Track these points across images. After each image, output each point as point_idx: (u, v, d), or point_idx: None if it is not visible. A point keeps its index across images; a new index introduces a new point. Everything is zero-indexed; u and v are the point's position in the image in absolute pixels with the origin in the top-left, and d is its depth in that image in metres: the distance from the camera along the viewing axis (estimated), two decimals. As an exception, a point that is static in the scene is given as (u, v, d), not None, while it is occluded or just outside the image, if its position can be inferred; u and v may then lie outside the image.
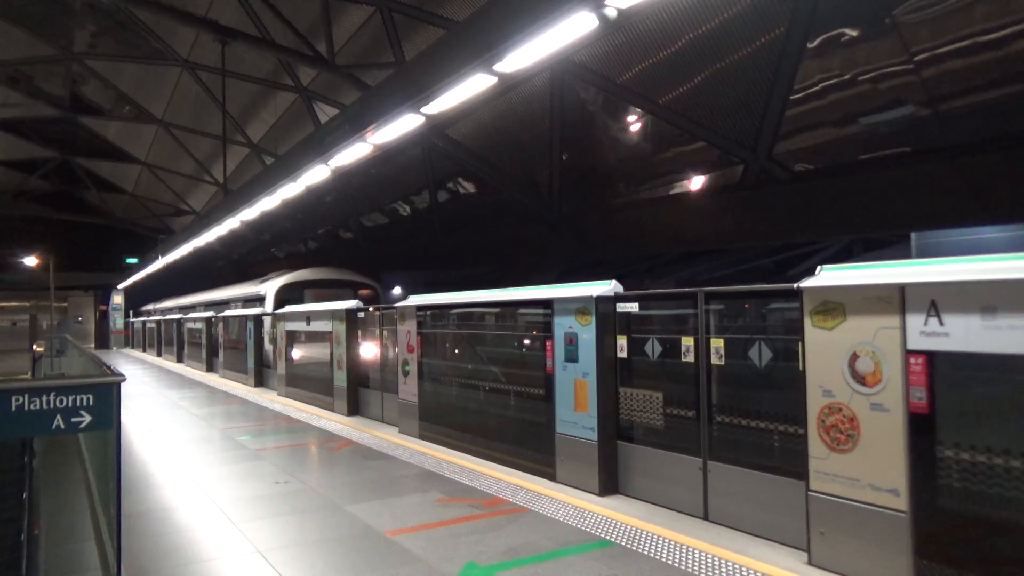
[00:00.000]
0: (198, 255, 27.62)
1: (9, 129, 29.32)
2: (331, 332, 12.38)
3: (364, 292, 19.76)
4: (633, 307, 6.49)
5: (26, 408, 3.24)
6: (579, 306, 6.58)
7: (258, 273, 27.29)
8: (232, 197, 17.03)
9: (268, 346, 16.79)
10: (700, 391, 5.66)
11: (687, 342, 5.78)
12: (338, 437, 9.75)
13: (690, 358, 5.75)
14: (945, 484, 3.93)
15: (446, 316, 9.61)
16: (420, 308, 9.60)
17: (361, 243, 21.22)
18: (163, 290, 38.79)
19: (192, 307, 28.69)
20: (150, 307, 39.46)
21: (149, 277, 35.17)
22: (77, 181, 36.99)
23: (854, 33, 7.47)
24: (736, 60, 8.66)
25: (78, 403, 3.34)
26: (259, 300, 19.50)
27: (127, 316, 43.41)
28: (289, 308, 15.13)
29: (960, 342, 3.80)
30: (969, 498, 3.85)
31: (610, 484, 6.44)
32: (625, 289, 6.60)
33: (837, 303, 4.39)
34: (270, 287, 19.30)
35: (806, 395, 4.57)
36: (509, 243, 15.73)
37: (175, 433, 10.30)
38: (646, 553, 4.84)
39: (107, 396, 3.41)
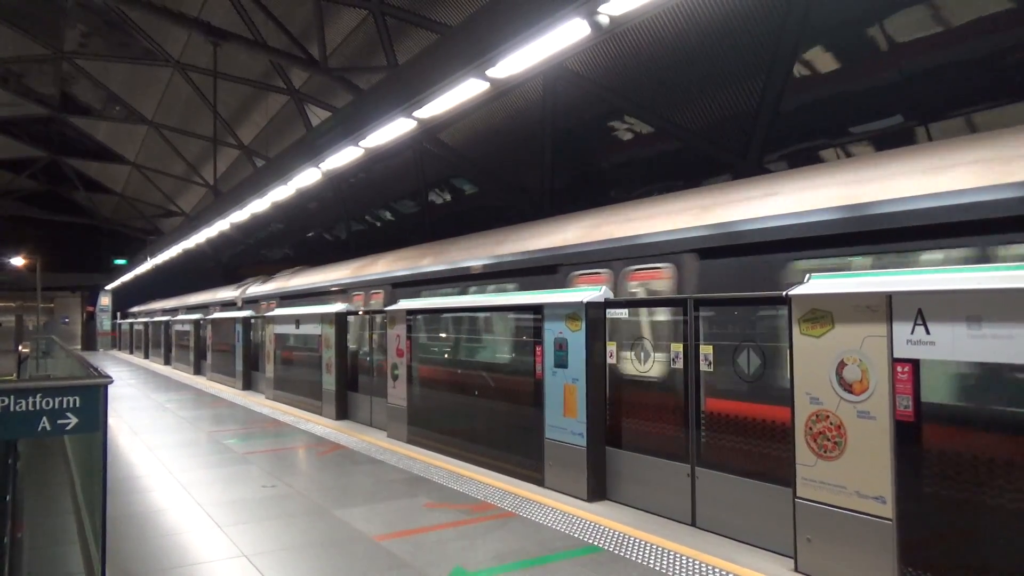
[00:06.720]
0: (187, 257, 27.50)
1: (-2, 128, 29.14)
2: (320, 335, 12.34)
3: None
4: (623, 313, 6.51)
5: (11, 410, 3.21)
6: (569, 311, 6.60)
7: (245, 275, 27.21)
8: (222, 199, 16.97)
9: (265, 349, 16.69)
10: (688, 397, 5.68)
11: (676, 348, 5.81)
12: (326, 441, 9.71)
13: (679, 364, 5.78)
14: (931, 492, 3.96)
15: (436, 320, 9.60)
16: (410, 312, 9.59)
17: (352, 246, 21.19)
18: (152, 291, 38.48)
19: (177, 310, 28.61)
20: (155, 306, 37.44)
21: (137, 278, 34.92)
22: (66, 181, 36.77)
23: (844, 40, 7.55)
24: (727, 67, 8.73)
25: (64, 405, 3.31)
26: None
27: (114, 317, 43.08)
28: (279, 311, 15.06)
29: (946, 351, 3.83)
30: (954, 506, 3.87)
31: (598, 490, 6.44)
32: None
33: (825, 311, 4.42)
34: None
35: (793, 402, 4.60)
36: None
37: (162, 436, 10.22)
38: (634, 559, 4.85)
39: (93, 398, 3.38)
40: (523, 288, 8.23)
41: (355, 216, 21.00)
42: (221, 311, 21.29)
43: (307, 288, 15.54)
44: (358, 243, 20.93)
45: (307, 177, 11.50)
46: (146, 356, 31.36)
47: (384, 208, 19.53)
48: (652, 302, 6.61)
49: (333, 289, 14.06)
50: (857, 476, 4.23)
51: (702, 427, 5.62)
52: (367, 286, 12.62)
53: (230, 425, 11.32)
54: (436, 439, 8.85)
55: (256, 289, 19.88)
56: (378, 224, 20.40)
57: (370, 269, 12.85)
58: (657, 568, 4.67)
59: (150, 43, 19.87)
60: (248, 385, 17.21)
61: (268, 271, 24.92)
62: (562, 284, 7.59)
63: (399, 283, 11.41)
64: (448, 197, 16.12)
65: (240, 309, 19.54)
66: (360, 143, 9.18)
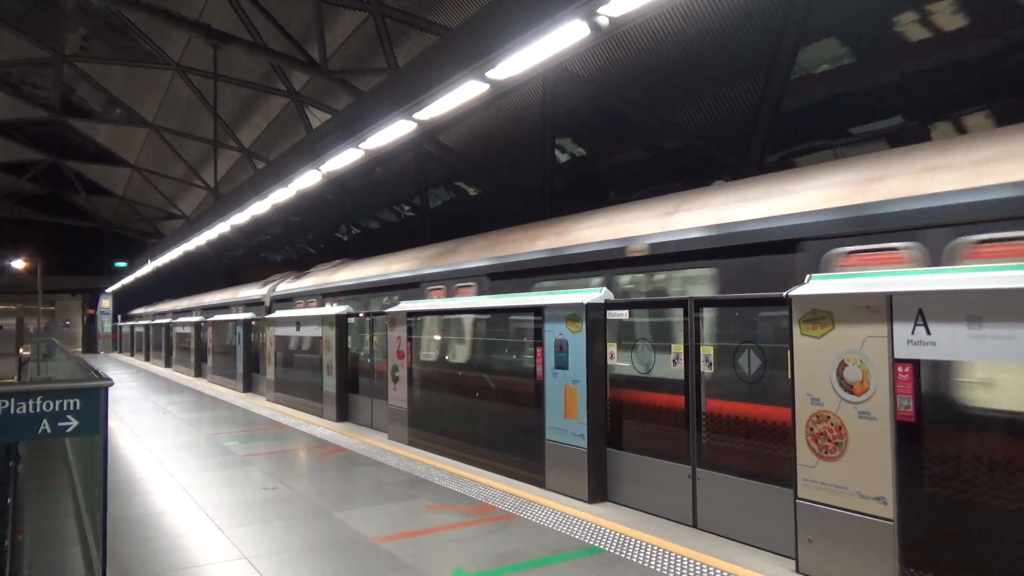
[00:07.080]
0: (188, 259, 27.50)
1: (-2, 131, 29.13)
2: (321, 338, 12.34)
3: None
4: (623, 314, 6.51)
5: (12, 412, 3.21)
6: (569, 313, 6.59)
7: (246, 277, 27.20)
8: (223, 202, 16.97)
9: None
10: (689, 398, 5.68)
11: (677, 349, 5.80)
12: (327, 443, 9.71)
13: (679, 366, 5.77)
14: (932, 493, 3.96)
15: (436, 322, 9.60)
16: (410, 314, 9.59)
17: (352, 248, 21.21)
18: (152, 294, 38.50)
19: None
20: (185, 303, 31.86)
21: (138, 281, 34.92)
22: (66, 184, 36.77)
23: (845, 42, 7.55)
24: (727, 67, 8.73)
25: (65, 407, 3.31)
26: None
27: (115, 320, 43.11)
28: (279, 313, 15.06)
29: (947, 351, 3.83)
30: (956, 507, 3.87)
31: (599, 491, 6.44)
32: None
33: (825, 311, 4.41)
34: None
35: (794, 403, 4.60)
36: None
37: (162, 438, 10.23)
38: (635, 561, 4.84)
39: (94, 400, 3.38)
40: (726, 279, 6.08)
41: (355, 218, 21.01)
42: (244, 312, 20.64)
43: (362, 283, 13.50)
44: (359, 244, 20.94)
45: (307, 179, 11.50)
46: (147, 359, 31.37)
47: (387, 208, 19.53)
48: (654, 303, 6.60)
49: (402, 283, 11.97)
50: (858, 477, 4.23)
51: (703, 428, 5.61)
52: (453, 278, 10.30)
53: (231, 427, 11.32)
54: (437, 441, 8.84)
55: (288, 286, 17.84)
56: (378, 225, 20.41)
57: (453, 257, 10.60)
58: (658, 569, 4.67)
59: (150, 46, 19.88)
60: (249, 387, 17.21)
61: (268, 272, 24.93)
62: (811, 267, 5.31)
63: (501, 273, 9.19)
64: (475, 191, 16.09)
65: (269, 309, 18.79)
66: (360, 145, 9.19)
